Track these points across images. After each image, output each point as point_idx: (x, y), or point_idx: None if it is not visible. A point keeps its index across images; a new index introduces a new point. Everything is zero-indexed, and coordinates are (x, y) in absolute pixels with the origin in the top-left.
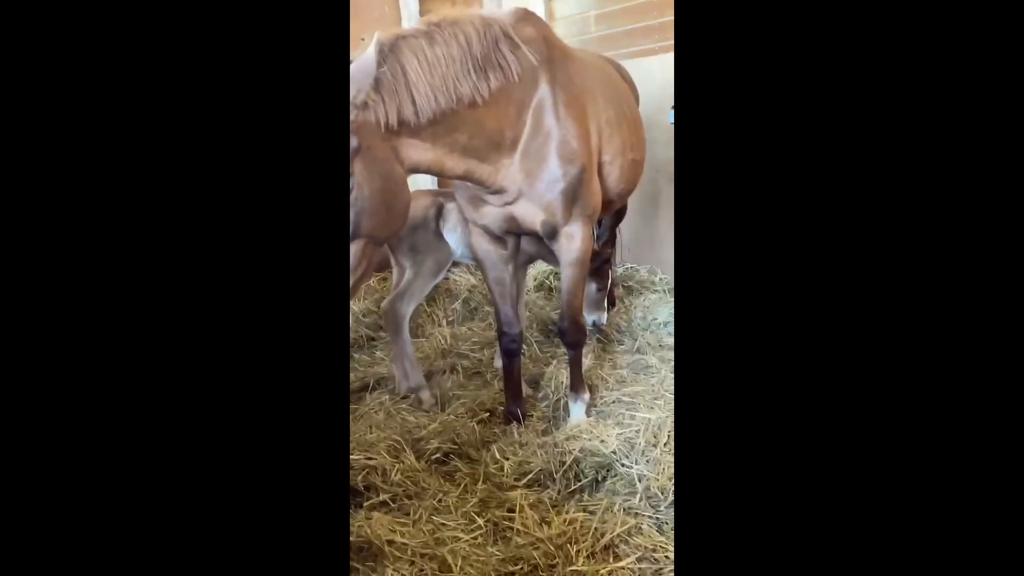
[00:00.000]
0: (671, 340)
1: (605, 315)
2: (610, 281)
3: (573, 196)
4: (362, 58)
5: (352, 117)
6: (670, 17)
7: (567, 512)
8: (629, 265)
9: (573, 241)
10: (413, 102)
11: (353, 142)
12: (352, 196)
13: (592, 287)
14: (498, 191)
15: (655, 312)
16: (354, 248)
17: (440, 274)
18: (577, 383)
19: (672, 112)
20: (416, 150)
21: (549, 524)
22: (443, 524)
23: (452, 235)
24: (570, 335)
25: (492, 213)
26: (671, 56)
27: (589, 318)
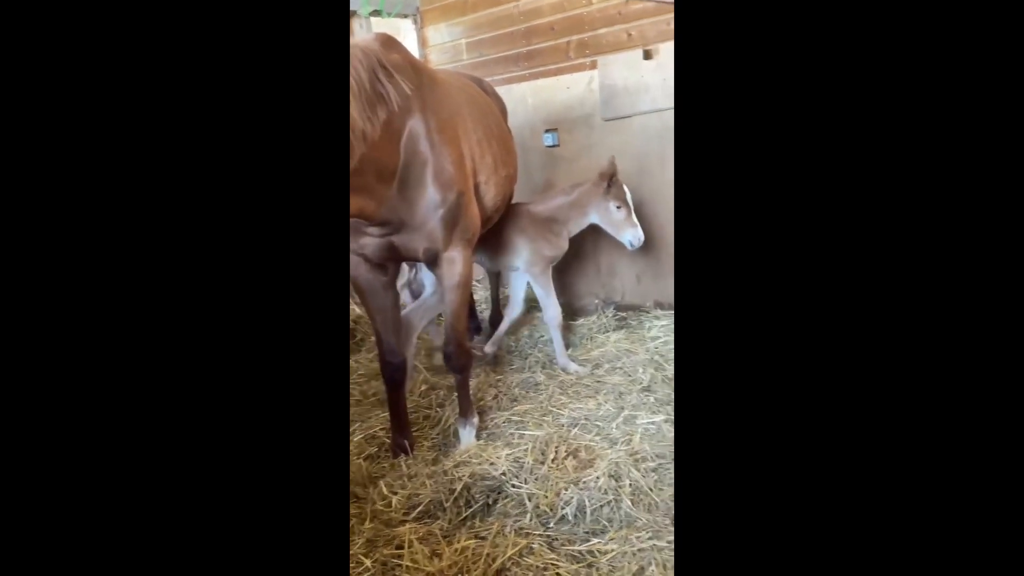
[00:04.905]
0: None
1: (640, 232)
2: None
3: (453, 221)
4: None
5: None
6: (538, 45)
7: (458, 541)
8: None
9: (455, 266)
10: None
11: None
12: None
13: (612, 206)
14: (382, 223)
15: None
16: None
17: None
18: (466, 407)
19: (547, 135)
20: None
21: (440, 556)
22: None
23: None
24: (456, 359)
25: (373, 243)
26: (542, 82)
27: (625, 239)
